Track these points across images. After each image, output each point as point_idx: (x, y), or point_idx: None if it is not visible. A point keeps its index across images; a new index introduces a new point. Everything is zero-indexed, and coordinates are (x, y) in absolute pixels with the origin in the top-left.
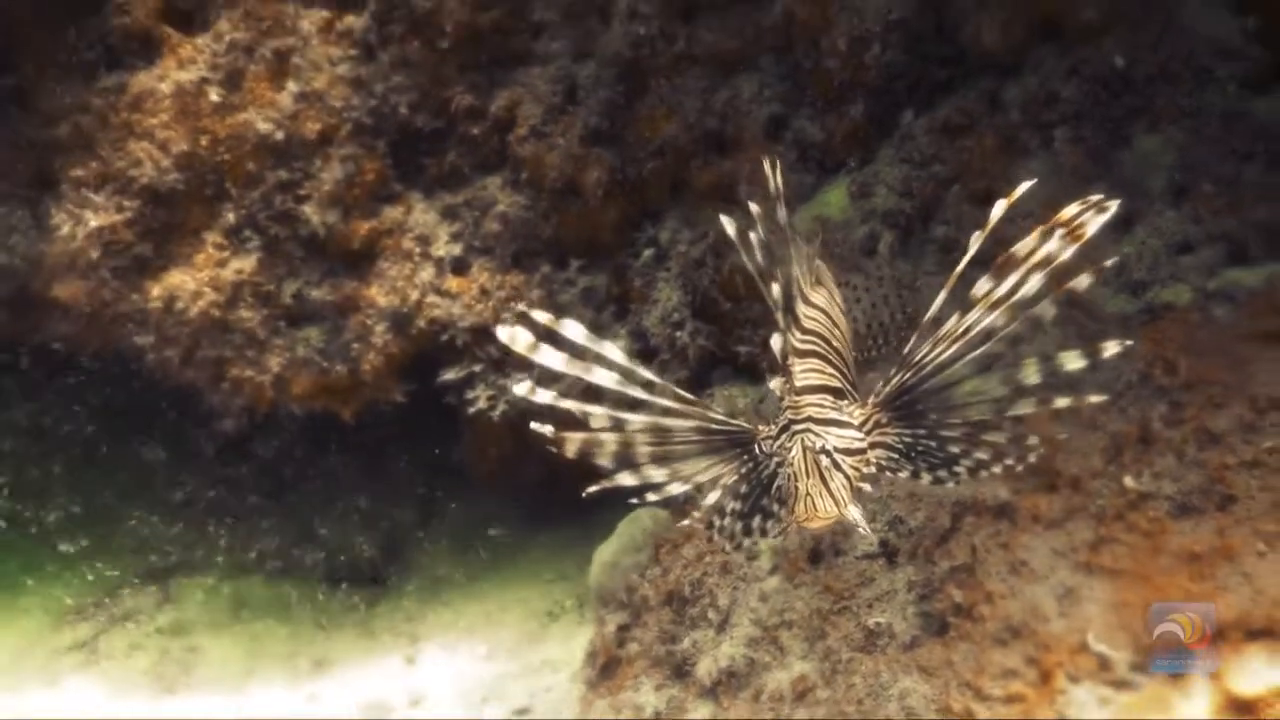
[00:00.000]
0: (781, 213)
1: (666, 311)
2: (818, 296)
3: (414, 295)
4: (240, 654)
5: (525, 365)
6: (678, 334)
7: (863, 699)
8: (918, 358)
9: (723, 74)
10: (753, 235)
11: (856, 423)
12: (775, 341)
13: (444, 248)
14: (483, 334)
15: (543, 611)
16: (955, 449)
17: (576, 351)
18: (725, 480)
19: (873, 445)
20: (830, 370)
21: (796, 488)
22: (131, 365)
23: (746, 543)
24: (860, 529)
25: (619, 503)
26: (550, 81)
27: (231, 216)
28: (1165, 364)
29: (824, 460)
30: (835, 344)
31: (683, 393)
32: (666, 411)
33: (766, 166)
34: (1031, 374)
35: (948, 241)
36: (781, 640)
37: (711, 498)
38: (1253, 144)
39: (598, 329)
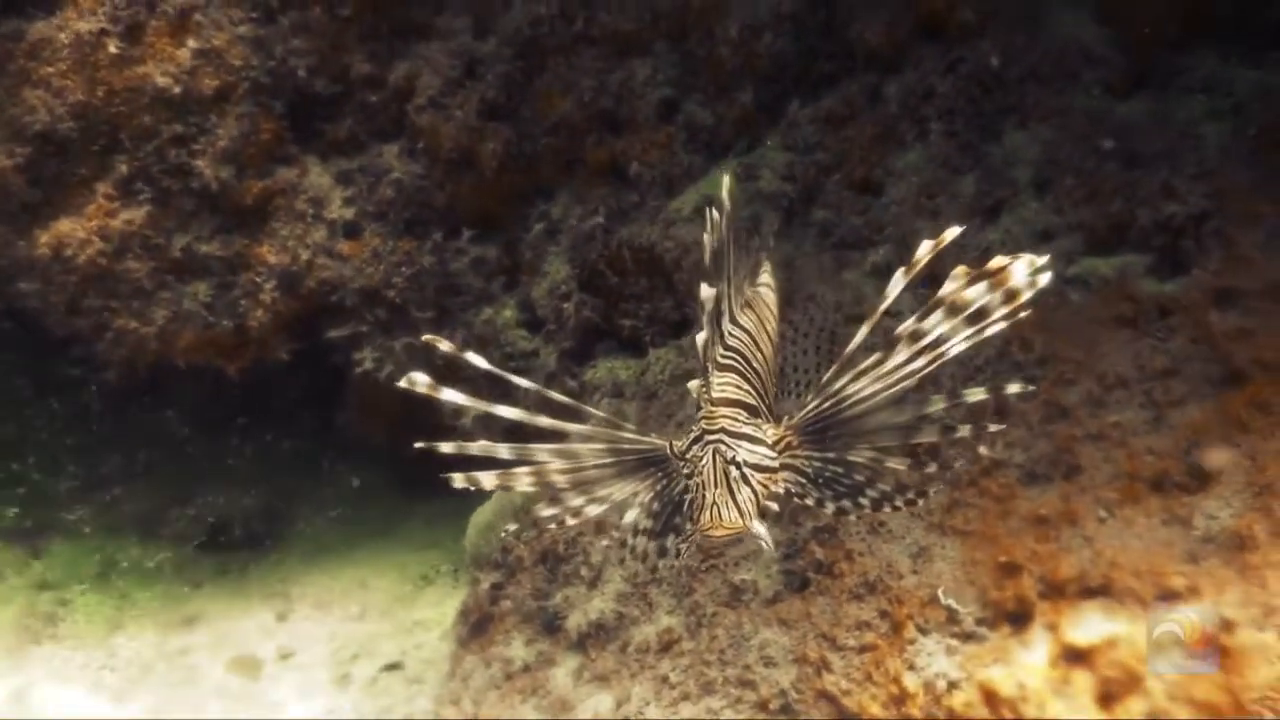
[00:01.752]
0: (727, 232)
1: (555, 284)
2: (746, 319)
3: (305, 255)
4: (109, 609)
5: (413, 328)
6: (564, 305)
7: (725, 649)
8: (835, 388)
9: (619, 56)
10: (707, 238)
11: (769, 441)
12: (700, 337)
13: (337, 210)
14: (373, 297)
15: (417, 575)
16: (861, 477)
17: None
18: (642, 499)
19: (783, 467)
20: (747, 388)
21: (704, 496)
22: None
23: (661, 563)
24: (764, 544)
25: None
26: (450, 55)
27: (124, 168)
28: (1022, 342)
29: (733, 472)
30: (756, 365)
31: (596, 412)
32: (579, 435)
33: (725, 187)
34: (938, 406)
35: (827, 225)
36: (651, 596)
37: (629, 516)
38: (1112, 143)
39: (486, 298)
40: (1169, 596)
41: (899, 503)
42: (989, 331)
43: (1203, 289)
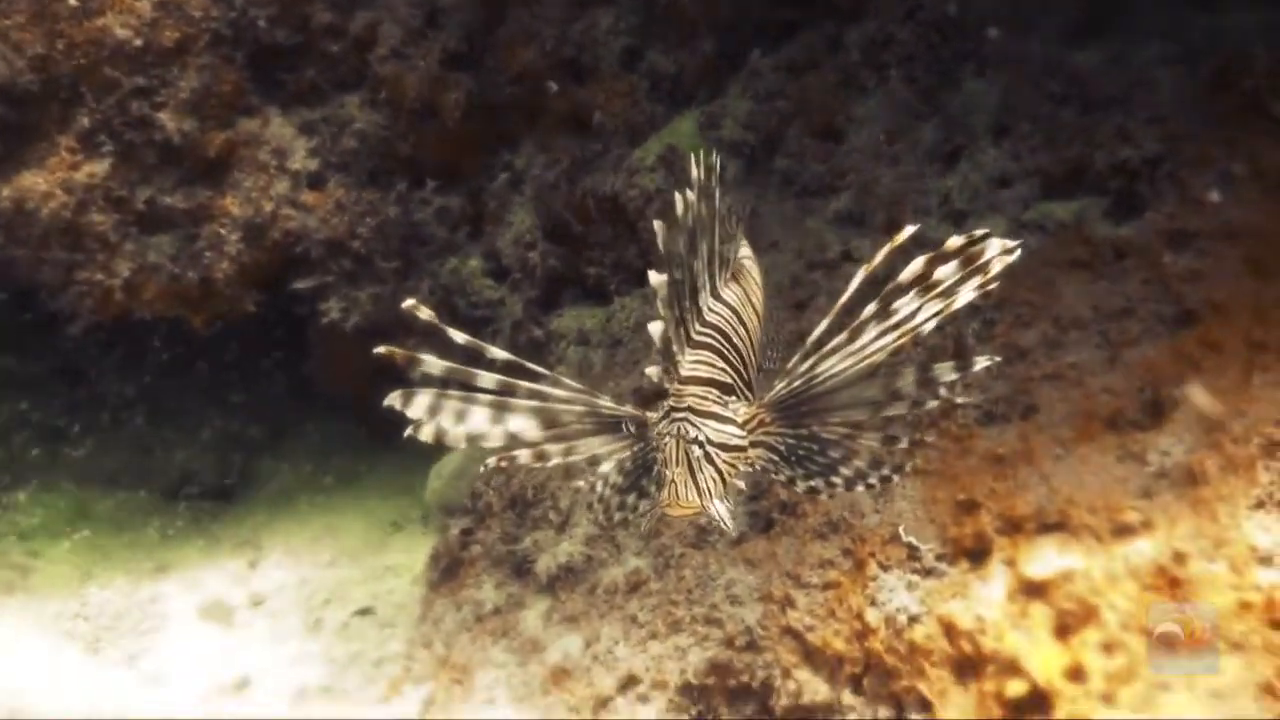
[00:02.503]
0: (718, 204)
1: (519, 233)
2: (730, 292)
3: (269, 207)
4: (80, 560)
5: (379, 279)
6: (529, 255)
7: (692, 589)
8: (805, 366)
9: (580, 5)
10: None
11: (739, 420)
12: (654, 328)
13: (301, 161)
14: (338, 247)
15: (387, 522)
16: (835, 455)
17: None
18: (617, 455)
19: (755, 444)
20: (722, 365)
21: (664, 474)
22: None
23: (618, 517)
24: (723, 525)
25: None
26: (411, 4)
27: (86, 121)
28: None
29: (695, 451)
30: (736, 341)
31: (572, 382)
32: (559, 399)
33: (694, 162)
34: (909, 382)
35: (789, 173)
36: (619, 539)
37: (604, 466)
38: (1068, 89)
39: (451, 248)
40: (1123, 531)
41: (872, 480)
42: (957, 305)
43: (1157, 231)
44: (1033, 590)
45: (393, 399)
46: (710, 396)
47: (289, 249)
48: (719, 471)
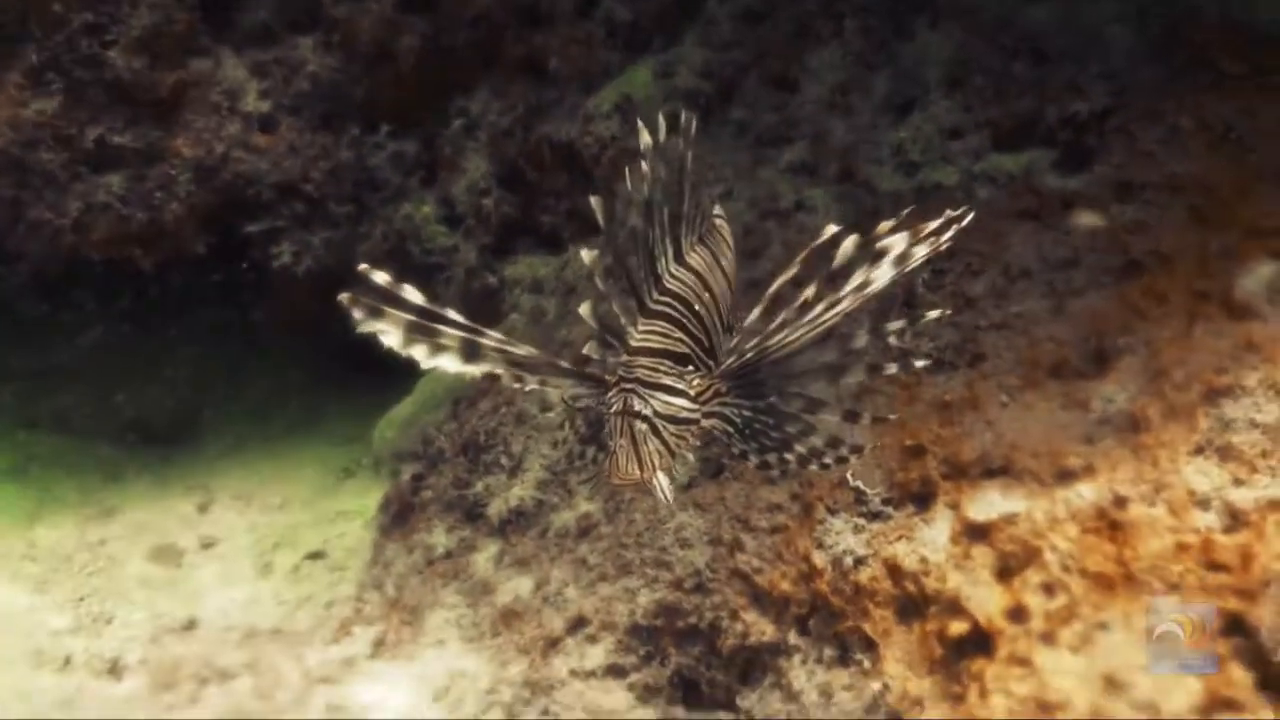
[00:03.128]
0: (688, 164)
1: (474, 180)
2: (696, 257)
3: (220, 148)
4: (27, 503)
5: (333, 223)
6: (484, 202)
7: (642, 533)
8: (758, 337)
9: None
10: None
11: (692, 392)
12: (583, 309)
13: (253, 103)
14: (290, 190)
15: (339, 468)
16: (791, 430)
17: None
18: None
19: (710, 415)
20: (679, 335)
21: (608, 444)
22: None
23: (577, 464)
24: (663, 497)
25: (417, 370)
26: None
27: (34, 57)
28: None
29: (639, 425)
30: (699, 308)
31: (531, 349)
32: (526, 357)
33: (651, 127)
34: (862, 341)
35: (744, 123)
36: (570, 483)
37: (576, 390)
38: (1020, 43)
39: (404, 194)
40: (1066, 476)
41: (828, 460)
42: (910, 266)
43: (1104, 183)
44: (976, 533)
45: (365, 324)
46: (661, 367)
47: (241, 191)
48: (665, 444)
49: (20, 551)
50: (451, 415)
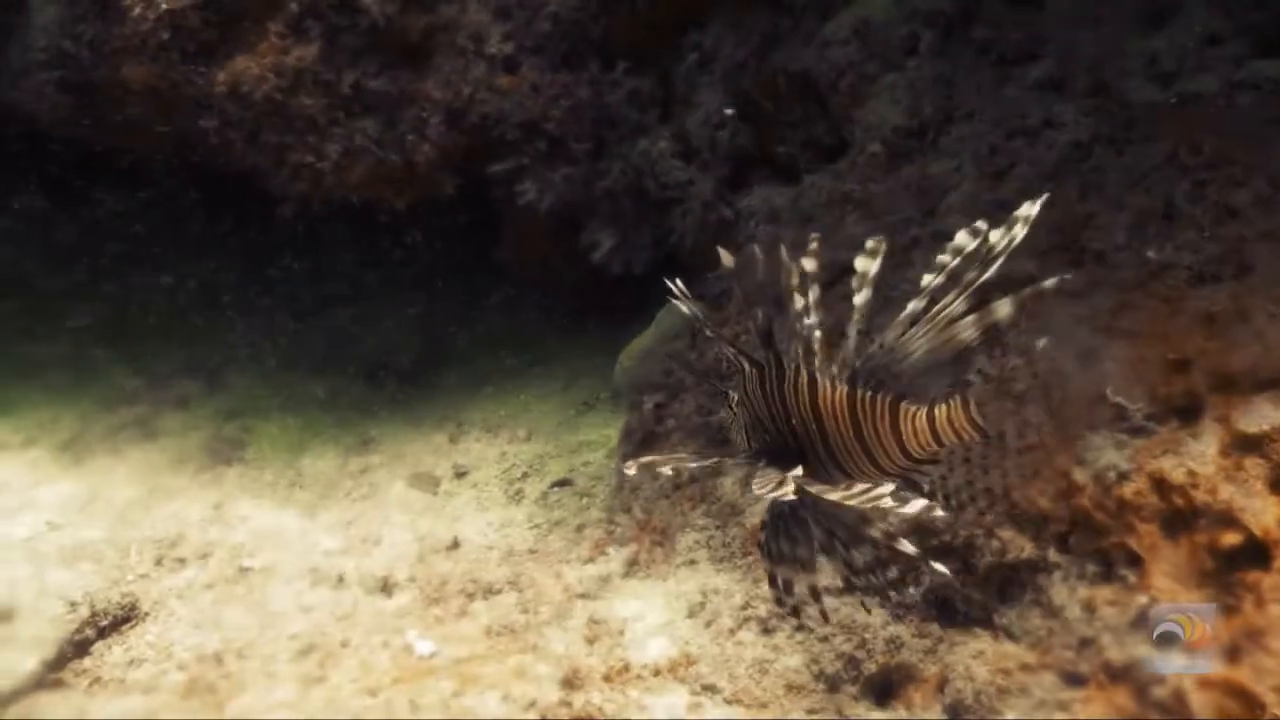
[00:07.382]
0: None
1: (709, 113)
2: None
3: (467, 91)
4: (290, 434)
5: (572, 160)
6: (718, 134)
7: None
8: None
9: None
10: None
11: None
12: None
13: (496, 45)
14: (532, 129)
15: (578, 402)
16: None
17: None
18: None
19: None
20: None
21: None
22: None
23: None
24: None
25: (653, 307)
26: None
27: (294, 6)
28: (1191, 146)
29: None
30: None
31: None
32: None
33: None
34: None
35: (986, 43)
36: None
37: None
38: None
39: (641, 130)
40: None
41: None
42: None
43: None
44: (1248, 444)
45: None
46: None
47: (486, 132)
48: None
49: (290, 479)
50: (691, 345)
